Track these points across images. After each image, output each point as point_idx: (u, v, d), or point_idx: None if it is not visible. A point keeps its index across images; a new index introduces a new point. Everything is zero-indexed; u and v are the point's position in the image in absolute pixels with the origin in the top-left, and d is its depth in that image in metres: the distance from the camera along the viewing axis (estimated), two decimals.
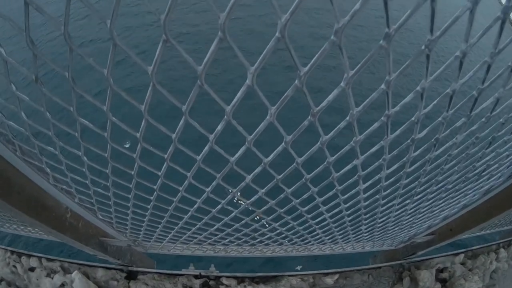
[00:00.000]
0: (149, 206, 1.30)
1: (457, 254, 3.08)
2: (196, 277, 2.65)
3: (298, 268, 4.11)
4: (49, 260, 2.69)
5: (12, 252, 2.80)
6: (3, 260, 2.74)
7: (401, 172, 1.12)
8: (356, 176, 1.05)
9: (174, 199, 1.19)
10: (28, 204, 1.10)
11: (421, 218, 1.79)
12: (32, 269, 2.69)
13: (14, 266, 2.71)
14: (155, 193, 1.14)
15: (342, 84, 0.57)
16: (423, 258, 2.93)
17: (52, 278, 2.57)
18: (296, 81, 0.56)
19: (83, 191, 1.26)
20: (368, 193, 1.28)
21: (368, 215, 1.54)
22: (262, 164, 0.86)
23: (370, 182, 1.17)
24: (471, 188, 1.42)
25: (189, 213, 1.36)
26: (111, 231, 1.76)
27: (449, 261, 3.03)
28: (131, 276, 2.60)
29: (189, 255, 2.34)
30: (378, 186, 1.22)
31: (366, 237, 2.18)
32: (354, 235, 2.01)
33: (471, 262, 3.10)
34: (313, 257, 2.70)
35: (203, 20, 10.22)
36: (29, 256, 2.72)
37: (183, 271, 2.64)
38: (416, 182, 1.24)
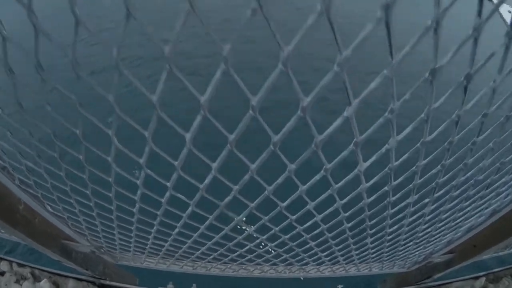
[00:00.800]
0: (89, 193, 1.04)
1: (477, 278, 2.79)
2: None
3: (339, 287, 3.78)
4: (20, 265, 2.52)
5: None
6: None
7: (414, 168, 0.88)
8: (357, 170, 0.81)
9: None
10: None
11: (441, 228, 1.47)
12: (2, 273, 2.51)
13: None
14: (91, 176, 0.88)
15: (345, 113, 0.58)
16: (440, 282, 2.60)
17: (21, 284, 2.40)
18: (299, 112, 0.57)
19: (17, 167, 1.07)
20: (374, 197, 1.01)
21: (374, 221, 1.23)
22: (266, 192, 0.88)
23: (375, 178, 0.90)
24: (505, 182, 1.10)
25: (158, 218, 1.15)
26: (69, 232, 1.51)
27: (469, 286, 2.75)
28: None
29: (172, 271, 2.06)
30: (386, 187, 0.96)
31: (373, 256, 1.86)
32: (358, 251, 1.69)
33: (493, 286, 2.81)
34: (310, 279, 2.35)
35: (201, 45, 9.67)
36: (0, 259, 2.55)
37: None
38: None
